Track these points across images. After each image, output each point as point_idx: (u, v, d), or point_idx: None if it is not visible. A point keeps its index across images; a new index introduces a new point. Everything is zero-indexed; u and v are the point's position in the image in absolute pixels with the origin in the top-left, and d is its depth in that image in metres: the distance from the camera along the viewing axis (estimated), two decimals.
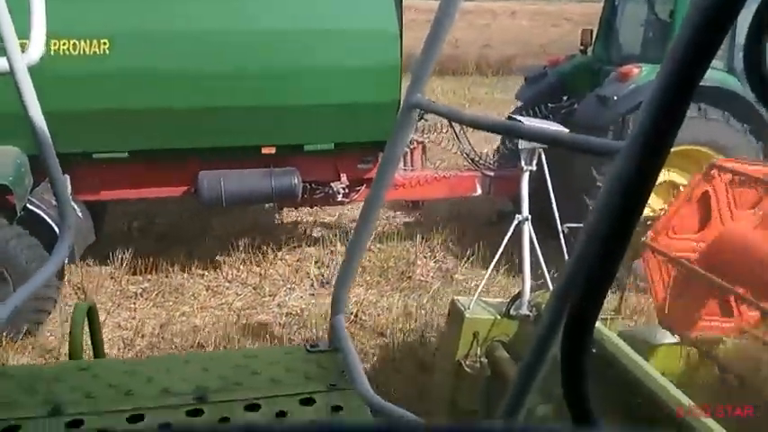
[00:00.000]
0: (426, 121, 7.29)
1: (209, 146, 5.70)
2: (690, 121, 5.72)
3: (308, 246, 7.02)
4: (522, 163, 4.08)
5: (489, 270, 4.18)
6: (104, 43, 5.18)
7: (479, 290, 3.91)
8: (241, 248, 6.69)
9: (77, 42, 5.08)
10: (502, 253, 4.09)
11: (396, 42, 5.68)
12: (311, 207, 7.03)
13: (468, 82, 17.45)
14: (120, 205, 6.84)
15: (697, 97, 5.70)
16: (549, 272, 3.99)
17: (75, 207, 5.47)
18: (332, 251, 6.88)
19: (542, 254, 3.97)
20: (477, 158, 7.07)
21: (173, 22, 5.38)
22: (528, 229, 3.94)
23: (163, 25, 5.36)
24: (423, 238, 7.17)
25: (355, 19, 5.67)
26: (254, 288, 6.25)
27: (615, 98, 5.86)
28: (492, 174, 6.93)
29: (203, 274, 6.44)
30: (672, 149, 0.66)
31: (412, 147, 7.04)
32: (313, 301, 6.03)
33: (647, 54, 6.62)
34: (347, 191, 6.27)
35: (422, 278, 6.57)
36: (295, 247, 6.95)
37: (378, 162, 6.40)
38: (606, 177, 0.64)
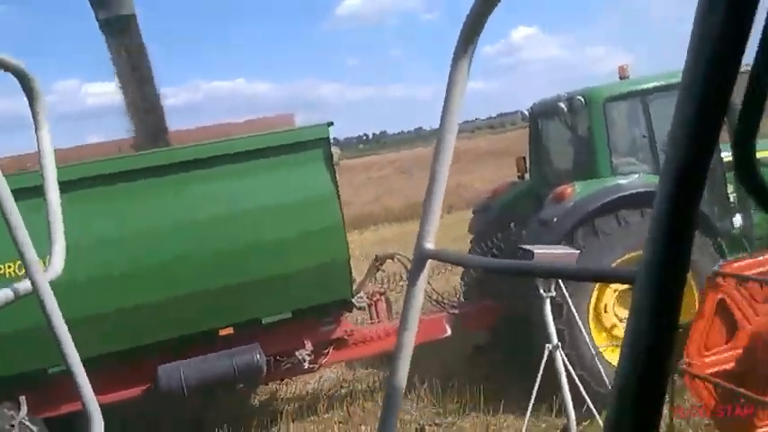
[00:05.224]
0: (383, 271, 7.35)
1: (165, 338, 5.60)
2: (630, 229, 5.82)
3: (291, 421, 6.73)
4: (541, 291, 4.12)
5: (529, 409, 4.04)
6: None
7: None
8: None
9: None
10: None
11: (334, 203, 5.83)
12: (280, 380, 6.84)
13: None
14: None
15: (622, 206, 5.84)
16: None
17: (33, 428, 5.26)
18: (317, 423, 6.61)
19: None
20: (440, 299, 7.06)
21: (122, 226, 5.47)
22: (561, 357, 3.89)
23: (113, 229, 5.43)
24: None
25: (291, 191, 5.79)
26: None
27: (555, 219, 5.98)
28: (458, 311, 6.90)
29: None
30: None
31: (375, 299, 7.02)
32: None
33: (578, 170, 6.83)
34: (313, 356, 6.14)
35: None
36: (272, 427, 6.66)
37: (339, 320, 6.36)
38: (629, 308, 0.61)
